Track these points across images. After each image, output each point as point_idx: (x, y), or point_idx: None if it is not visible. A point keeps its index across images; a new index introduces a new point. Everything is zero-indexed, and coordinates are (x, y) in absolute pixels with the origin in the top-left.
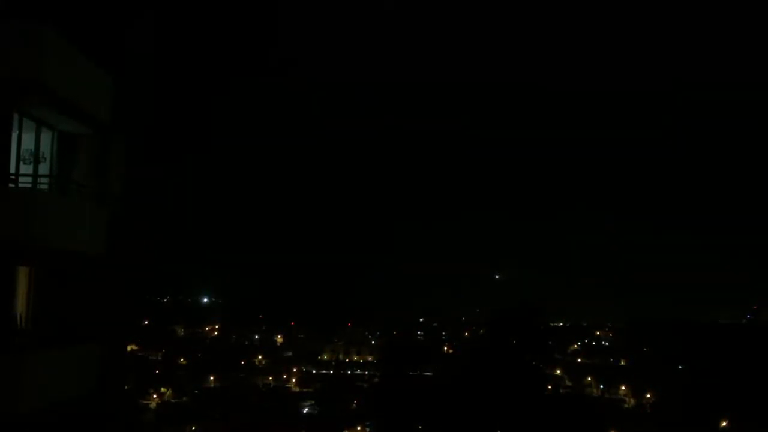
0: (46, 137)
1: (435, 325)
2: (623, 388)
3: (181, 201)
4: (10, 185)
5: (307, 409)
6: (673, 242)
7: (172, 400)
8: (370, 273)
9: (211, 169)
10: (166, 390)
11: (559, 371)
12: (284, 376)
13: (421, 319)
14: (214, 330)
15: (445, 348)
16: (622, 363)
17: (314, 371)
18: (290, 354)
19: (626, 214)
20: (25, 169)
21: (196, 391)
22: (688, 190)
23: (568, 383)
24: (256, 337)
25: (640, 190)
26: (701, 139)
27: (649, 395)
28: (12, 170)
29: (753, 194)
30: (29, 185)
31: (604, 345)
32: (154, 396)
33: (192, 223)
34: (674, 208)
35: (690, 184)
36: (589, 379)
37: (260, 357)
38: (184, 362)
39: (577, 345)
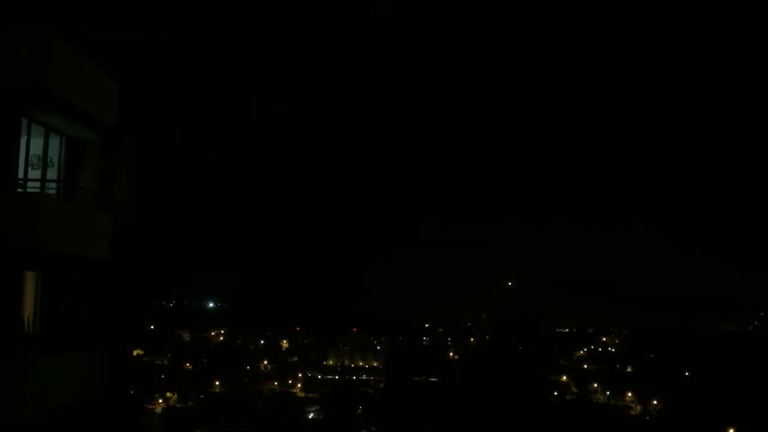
0: (54, 142)
1: (440, 330)
2: (629, 394)
3: (188, 205)
4: (19, 190)
5: (312, 415)
6: (680, 248)
7: (178, 405)
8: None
9: (217, 171)
10: (171, 395)
11: (564, 377)
12: (289, 382)
13: (426, 325)
14: (219, 335)
15: (451, 354)
16: (629, 370)
17: (319, 376)
18: (295, 359)
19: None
20: (33, 174)
21: (202, 396)
22: (694, 197)
23: (574, 389)
24: (262, 342)
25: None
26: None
27: (655, 402)
28: (20, 175)
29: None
30: (37, 190)
31: (611, 351)
32: (160, 401)
33: (199, 227)
34: (680, 213)
35: (695, 189)
36: (595, 385)
37: (266, 362)
38: (190, 367)
39: (583, 351)
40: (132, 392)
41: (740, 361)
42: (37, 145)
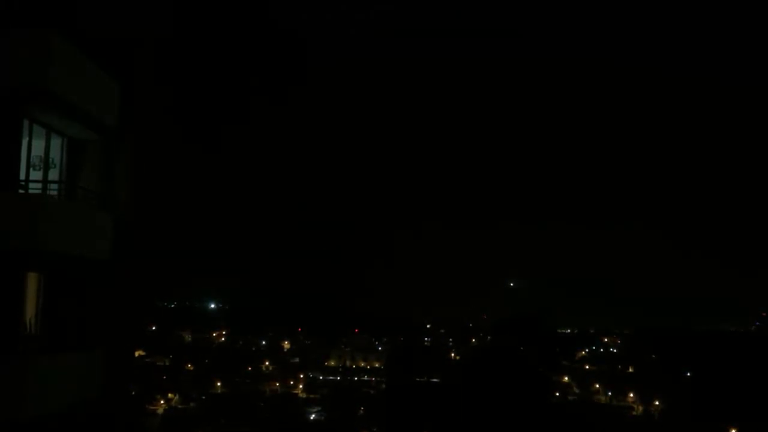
0: (55, 143)
1: (442, 331)
2: (631, 395)
3: (189, 205)
4: (20, 191)
5: (314, 416)
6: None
7: (179, 406)
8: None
9: (217, 171)
10: (172, 395)
11: (566, 378)
12: (291, 382)
13: (428, 326)
14: (221, 336)
15: (452, 354)
16: (630, 370)
17: (321, 377)
18: (297, 360)
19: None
20: (35, 175)
21: (203, 397)
22: (697, 198)
23: (576, 390)
24: (263, 342)
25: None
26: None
27: (657, 402)
28: (22, 176)
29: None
30: (39, 191)
31: (612, 352)
32: (161, 402)
33: (200, 228)
34: (683, 214)
35: (700, 191)
36: (597, 386)
37: (267, 363)
38: (191, 368)
39: (585, 352)
40: (133, 393)
41: (743, 361)
42: (38, 147)
